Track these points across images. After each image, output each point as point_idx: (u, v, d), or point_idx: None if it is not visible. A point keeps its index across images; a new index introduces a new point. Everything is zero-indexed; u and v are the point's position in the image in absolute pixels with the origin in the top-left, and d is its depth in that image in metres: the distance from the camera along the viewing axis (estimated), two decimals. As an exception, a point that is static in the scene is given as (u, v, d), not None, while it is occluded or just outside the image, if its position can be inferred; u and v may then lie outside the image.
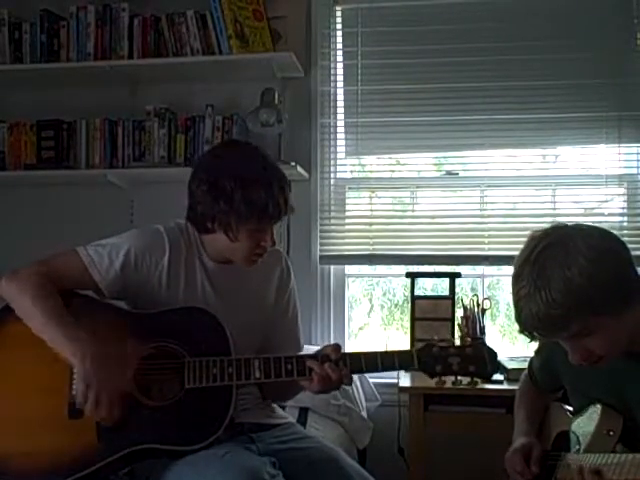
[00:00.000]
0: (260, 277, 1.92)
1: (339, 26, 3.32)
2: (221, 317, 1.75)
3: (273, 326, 1.95)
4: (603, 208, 3.19)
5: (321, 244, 3.26)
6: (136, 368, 1.68)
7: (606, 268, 1.40)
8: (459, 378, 1.69)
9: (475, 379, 1.69)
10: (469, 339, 1.75)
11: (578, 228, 1.48)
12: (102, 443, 1.64)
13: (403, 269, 3.23)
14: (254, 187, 1.73)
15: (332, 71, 3.31)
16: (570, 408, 1.76)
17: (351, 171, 3.38)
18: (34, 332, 1.69)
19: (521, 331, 1.48)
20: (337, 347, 1.71)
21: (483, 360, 1.68)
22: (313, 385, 1.67)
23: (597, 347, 1.47)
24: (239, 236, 1.76)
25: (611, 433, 1.54)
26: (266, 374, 1.68)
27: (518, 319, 1.46)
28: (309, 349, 1.98)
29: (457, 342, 1.74)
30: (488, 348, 1.70)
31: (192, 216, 1.82)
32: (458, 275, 3.05)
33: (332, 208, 3.31)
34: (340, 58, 3.32)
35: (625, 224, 3.16)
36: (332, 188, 3.30)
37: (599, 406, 1.60)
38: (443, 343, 1.71)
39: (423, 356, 1.69)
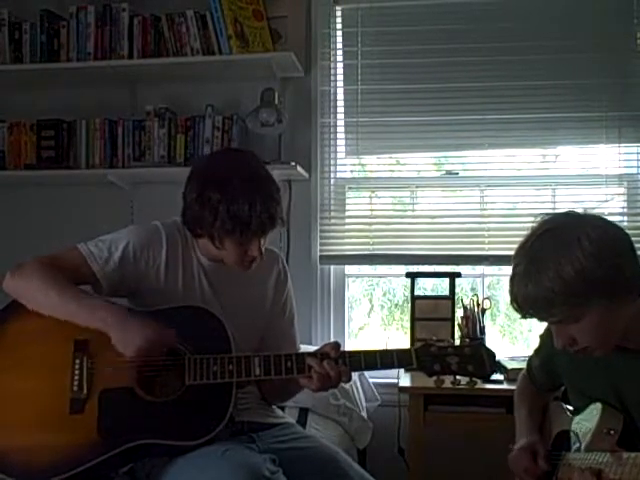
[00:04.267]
0: (257, 278, 1.93)
1: (339, 26, 3.32)
2: (220, 316, 1.76)
3: (269, 327, 1.96)
4: (603, 208, 3.18)
5: (321, 244, 3.26)
6: (138, 364, 1.69)
7: (602, 264, 1.40)
8: (458, 378, 1.69)
9: (474, 379, 1.69)
10: (467, 340, 1.76)
11: (585, 218, 1.48)
12: (103, 438, 1.65)
13: (403, 269, 3.23)
14: (237, 201, 1.73)
15: (332, 71, 3.30)
16: (570, 407, 1.76)
17: (351, 171, 3.37)
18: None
19: (513, 306, 1.50)
20: (336, 345, 1.72)
21: (481, 360, 1.69)
22: (312, 383, 1.67)
23: (581, 336, 1.48)
24: (225, 246, 1.79)
25: (611, 432, 1.53)
26: (266, 371, 1.69)
27: (510, 293, 1.49)
28: (309, 349, 1.97)
29: (456, 342, 1.75)
30: (486, 348, 1.71)
31: (184, 219, 1.85)
32: (458, 275, 3.05)
33: (332, 208, 3.30)
34: (340, 58, 3.32)
35: (625, 224, 3.14)
36: (332, 188, 3.30)
37: (599, 405, 1.60)
38: (441, 343, 1.71)
39: (422, 355, 1.70)
